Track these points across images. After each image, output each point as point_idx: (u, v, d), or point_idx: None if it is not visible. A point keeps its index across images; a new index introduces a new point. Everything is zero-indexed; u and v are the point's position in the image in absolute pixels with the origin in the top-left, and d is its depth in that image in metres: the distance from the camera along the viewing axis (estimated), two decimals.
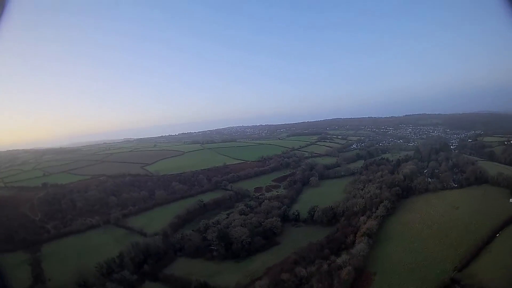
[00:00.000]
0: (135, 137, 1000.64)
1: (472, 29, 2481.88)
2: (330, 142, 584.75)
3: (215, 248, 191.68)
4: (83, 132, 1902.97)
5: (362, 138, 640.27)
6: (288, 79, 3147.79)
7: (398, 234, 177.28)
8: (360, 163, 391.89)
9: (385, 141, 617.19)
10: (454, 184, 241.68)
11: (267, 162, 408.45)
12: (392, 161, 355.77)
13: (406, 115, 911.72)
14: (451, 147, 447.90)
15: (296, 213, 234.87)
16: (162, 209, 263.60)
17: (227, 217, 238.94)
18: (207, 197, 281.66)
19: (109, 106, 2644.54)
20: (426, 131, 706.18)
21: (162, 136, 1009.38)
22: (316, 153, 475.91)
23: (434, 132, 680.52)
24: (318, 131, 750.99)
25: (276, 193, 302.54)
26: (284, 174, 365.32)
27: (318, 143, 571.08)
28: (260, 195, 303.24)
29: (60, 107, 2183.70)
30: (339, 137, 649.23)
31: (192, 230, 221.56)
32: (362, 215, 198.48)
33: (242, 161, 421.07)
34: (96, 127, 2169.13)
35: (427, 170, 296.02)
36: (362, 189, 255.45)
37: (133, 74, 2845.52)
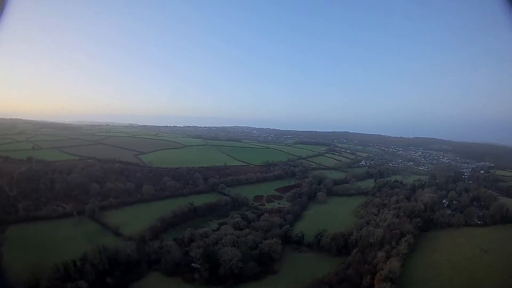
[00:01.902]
0: (140, 124, 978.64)
1: (488, 58, 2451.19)
2: (339, 155, 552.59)
3: (198, 269, 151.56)
4: (92, 112, 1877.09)
5: (371, 155, 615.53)
6: (299, 88, 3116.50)
7: (424, 280, 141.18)
8: (369, 182, 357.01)
9: (395, 161, 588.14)
10: (477, 221, 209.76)
11: (271, 168, 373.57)
12: (406, 185, 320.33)
13: (415, 137, 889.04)
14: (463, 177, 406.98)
15: (300, 235, 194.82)
16: (146, 207, 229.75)
17: (218, 229, 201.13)
18: (200, 200, 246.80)
19: (120, 91, 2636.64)
20: (436, 156, 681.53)
21: (166, 126, 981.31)
22: (324, 165, 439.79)
23: (444, 159, 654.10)
24: (326, 142, 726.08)
25: (278, 205, 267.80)
26: (288, 184, 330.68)
27: (326, 154, 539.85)
28: (259, 205, 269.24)
29: (71, 85, 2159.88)
30: (348, 151, 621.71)
31: (174, 240, 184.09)
32: (380, 249, 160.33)
33: (245, 164, 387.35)
34: (104, 109, 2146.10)
35: (446, 200, 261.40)
36: (376, 215, 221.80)
37: (145, 64, 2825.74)
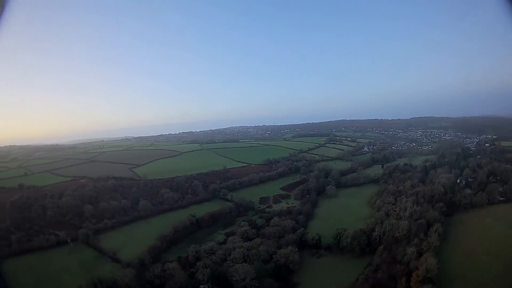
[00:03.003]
0: (135, 136, 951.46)
1: (478, 33, 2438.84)
2: (340, 144, 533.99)
3: None
4: (86, 130, 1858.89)
5: (372, 140, 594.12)
6: (291, 82, 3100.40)
7: (465, 273, 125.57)
8: (376, 168, 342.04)
9: (397, 144, 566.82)
10: (500, 198, 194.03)
11: (273, 166, 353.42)
12: (416, 167, 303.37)
13: (413, 117, 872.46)
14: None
15: (317, 238, 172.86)
16: (144, 224, 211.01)
17: (225, 241, 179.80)
18: (202, 210, 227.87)
19: (113, 105, 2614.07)
20: (437, 134, 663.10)
21: (162, 135, 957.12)
22: (327, 156, 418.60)
23: (445, 136, 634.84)
24: (325, 132, 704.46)
25: (287, 205, 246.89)
26: (294, 181, 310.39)
27: (327, 145, 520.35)
28: (267, 207, 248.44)
29: (64, 105, 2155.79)
30: (348, 139, 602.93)
31: (178, 259, 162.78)
32: (408, 244, 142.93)
33: (245, 164, 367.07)
34: (99, 125, 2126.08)
35: (462, 179, 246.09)
36: (394, 204, 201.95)
37: (135, 74, 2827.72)
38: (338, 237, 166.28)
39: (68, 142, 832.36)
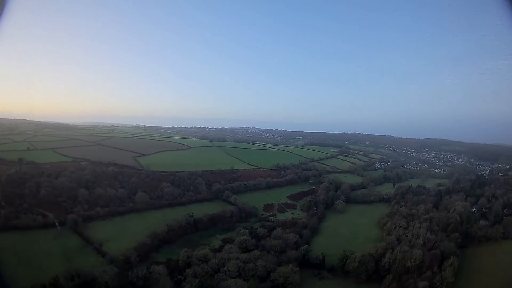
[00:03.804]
0: (147, 125, 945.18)
1: (497, 61, 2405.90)
2: (352, 157, 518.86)
3: None
4: (100, 113, 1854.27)
5: (384, 157, 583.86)
6: (308, 89, 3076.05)
7: None
8: (388, 187, 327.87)
9: (410, 163, 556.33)
10: None
11: (282, 172, 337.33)
12: (430, 190, 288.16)
13: (427, 138, 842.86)
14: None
15: (321, 258, 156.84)
16: (138, 217, 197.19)
17: (220, 248, 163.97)
18: (201, 210, 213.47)
19: (130, 92, 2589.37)
20: (450, 158, 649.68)
21: (173, 127, 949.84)
22: (338, 169, 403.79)
23: (458, 161, 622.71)
24: (337, 143, 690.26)
25: (292, 216, 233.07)
26: (302, 190, 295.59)
27: (339, 156, 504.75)
28: (270, 215, 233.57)
29: (82, 86, 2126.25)
30: (361, 153, 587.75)
31: (167, 261, 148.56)
32: (419, 276, 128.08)
33: (253, 167, 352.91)
34: (112, 110, 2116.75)
35: (476, 209, 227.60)
36: (406, 228, 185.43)
37: (154, 64, 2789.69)
38: (344, 260, 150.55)
39: (80, 123, 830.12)
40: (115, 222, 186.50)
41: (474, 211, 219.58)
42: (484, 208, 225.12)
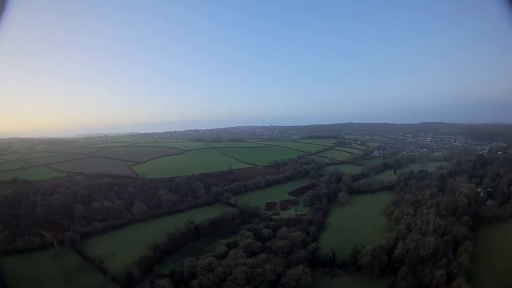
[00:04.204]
0: (141, 132, 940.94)
1: (490, 42, 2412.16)
2: (349, 147, 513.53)
3: None
4: (94, 124, 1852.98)
5: (382, 144, 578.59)
6: (300, 83, 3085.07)
7: None
8: (389, 174, 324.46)
9: (408, 149, 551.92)
10: None
11: (281, 168, 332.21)
12: (432, 174, 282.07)
13: (422, 122, 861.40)
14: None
15: (331, 254, 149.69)
16: (137, 229, 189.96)
17: (225, 254, 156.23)
18: (202, 215, 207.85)
19: (122, 100, 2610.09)
20: (447, 140, 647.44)
21: (167, 132, 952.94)
22: (337, 160, 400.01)
23: (456, 142, 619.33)
24: (333, 135, 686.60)
25: (295, 213, 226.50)
26: (302, 185, 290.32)
27: (336, 148, 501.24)
28: (273, 214, 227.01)
29: (73, 100, 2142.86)
30: (357, 142, 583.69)
31: (172, 273, 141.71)
32: (435, 265, 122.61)
33: (251, 166, 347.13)
34: (106, 120, 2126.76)
35: (481, 189, 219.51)
36: (414, 215, 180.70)
37: (144, 70, 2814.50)
38: (356, 255, 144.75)
39: (74, 136, 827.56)
40: (114, 236, 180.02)
41: (480, 191, 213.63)
42: (489, 188, 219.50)
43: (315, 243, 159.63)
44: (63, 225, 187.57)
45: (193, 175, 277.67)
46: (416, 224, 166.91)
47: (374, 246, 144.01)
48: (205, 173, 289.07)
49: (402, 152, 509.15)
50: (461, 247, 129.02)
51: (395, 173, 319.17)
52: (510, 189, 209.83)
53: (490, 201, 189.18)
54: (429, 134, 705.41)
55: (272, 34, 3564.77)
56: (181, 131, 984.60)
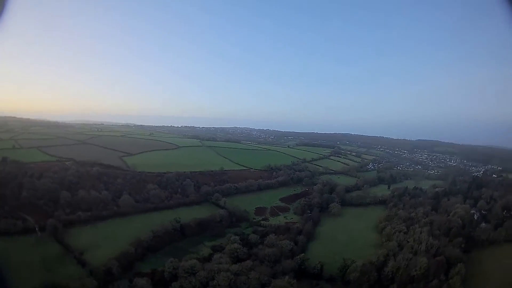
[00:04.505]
0: (138, 123, 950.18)
1: (491, 65, 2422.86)
2: (345, 158, 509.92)
3: None
4: (92, 111, 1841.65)
5: (377, 158, 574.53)
6: (299, 89, 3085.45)
7: None
8: (382, 188, 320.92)
9: (403, 164, 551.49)
10: None
11: (274, 173, 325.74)
12: (426, 192, 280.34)
13: (419, 139, 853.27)
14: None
15: (319, 267, 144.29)
16: (123, 222, 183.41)
17: (210, 257, 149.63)
18: (189, 214, 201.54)
19: (122, 90, 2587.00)
20: (442, 159, 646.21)
21: (163, 126, 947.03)
22: (331, 170, 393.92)
23: (451, 162, 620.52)
24: (329, 144, 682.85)
25: (285, 220, 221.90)
26: (295, 192, 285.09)
27: (331, 157, 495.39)
28: (262, 220, 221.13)
29: (74, 85, 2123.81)
30: (353, 153, 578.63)
31: (152, 272, 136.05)
32: (426, 285, 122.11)
33: (244, 168, 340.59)
34: (104, 108, 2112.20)
35: (475, 211, 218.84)
36: (406, 233, 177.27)
37: (146, 62, 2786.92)
38: (344, 269, 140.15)
39: (71, 121, 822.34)
40: (98, 228, 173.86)
41: (474, 213, 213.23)
42: (483, 210, 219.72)
43: (303, 253, 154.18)
44: (47, 211, 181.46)
45: (185, 172, 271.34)
46: (408, 242, 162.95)
47: (364, 262, 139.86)
48: (197, 171, 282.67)
49: (397, 167, 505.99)
50: (454, 269, 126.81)
51: (389, 188, 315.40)
52: (504, 213, 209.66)
53: (484, 224, 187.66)
54: (425, 152, 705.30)
55: (277, 37, 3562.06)
56: (178, 126, 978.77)
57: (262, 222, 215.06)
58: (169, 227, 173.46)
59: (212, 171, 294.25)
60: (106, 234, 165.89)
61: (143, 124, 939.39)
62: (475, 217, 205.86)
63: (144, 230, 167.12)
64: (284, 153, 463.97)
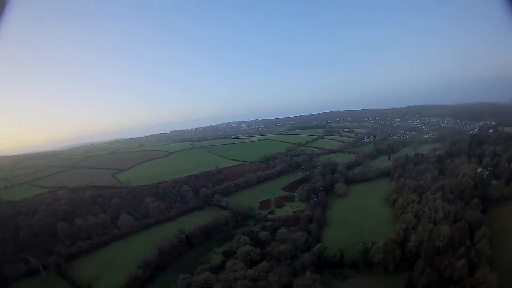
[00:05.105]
0: (127, 137, 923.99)
1: (471, 22, 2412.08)
2: (339, 135, 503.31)
3: None
4: (79, 134, 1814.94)
5: (370, 130, 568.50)
6: (280, 73, 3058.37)
7: None
8: (383, 160, 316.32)
9: (397, 133, 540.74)
10: None
11: (271, 163, 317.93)
12: (428, 157, 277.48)
13: (408, 106, 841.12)
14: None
15: (339, 255, 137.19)
16: (125, 244, 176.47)
17: (223, 263, 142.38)
18: (193, 221, 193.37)
19: (105, 108, 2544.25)
20: (435, 122, 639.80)
21: (152, 135, 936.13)
22: (327, 149, 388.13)
23: (444, 123, 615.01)
24: (320, 124, 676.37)
25: (292, 209, 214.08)
26: (295, 178, 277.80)
27: (325, 137, 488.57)
28: (269, 213, 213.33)
29: (55, 111, 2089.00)
30: (346, 130, 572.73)
31: None
32: (454, 255, 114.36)
33: (240, 163, 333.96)
34: (91, 129, 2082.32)
35: (482, 168, 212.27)
36: (419, 202, 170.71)
37: (125, 75, 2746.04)
38: (366, 252, 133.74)
39: (59, 148, 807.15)
40: (101, 256, 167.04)
41: (481, 171, 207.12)
42: (489, 167, 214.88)
43: (320, 244, 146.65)
44: (47, 247, 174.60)
45: (180, 178, 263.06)
46: (424, 211, 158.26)
47: (385, 241, 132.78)
48: (192, 175, 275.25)
49: (392, 136, 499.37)
50: (478, 232, 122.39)
51: (389, 158, 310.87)
52: (510, 166, 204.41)
53: (494, 181, 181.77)
54: (417, 117, 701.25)
55: (251, 24, 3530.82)
56: (167, 132, 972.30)
57: (269, 216, 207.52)
58: (174, 240, 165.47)
59: (207, 172, 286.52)
60: (110, 261, 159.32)
61: (132, 137, 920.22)
62: (485, 175, 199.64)
63: (149, 249, 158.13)
64: (277, 140, 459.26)
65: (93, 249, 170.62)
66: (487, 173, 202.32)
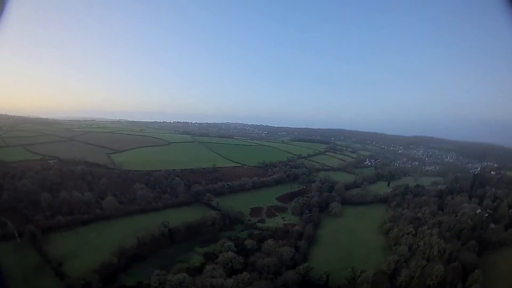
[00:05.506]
0: (130, 119, 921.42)
1: (489, 64, 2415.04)
2: (341, 154, 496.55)
3: None
4: (84, 108, 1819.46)
5: (373, 154, 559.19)
6: (293, 85, 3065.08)
7: None
8: (382, 185, 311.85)
9: (400, 161, 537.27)
10: None
11: (269, 170, 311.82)
12: (428, 190, 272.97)
13: (414, 135, 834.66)
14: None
15: (325, 278, 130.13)
16: (106, 227, 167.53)
17: (202, 266, 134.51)
18: (179, 216, 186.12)
19: (114, 86, 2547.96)
20: (439, 155, 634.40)
21: (155, 121, 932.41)
22: (328, 166, 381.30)
23: (448, 158, 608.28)
24: (324, 139, 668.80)
25: (283, 221, 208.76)
26: (291, 190, 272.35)
27: (327, 153, 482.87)
28: (258, 221, 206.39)
29: (66, 81, 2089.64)
30: (349, 149, 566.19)
31: (136, 287, 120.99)
32: None
33: (238, 165, 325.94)
34: (97, 105, 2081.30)
35: (481, 210, 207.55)
36: (415, 235, 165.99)
37: (138, 57, 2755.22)
38: (355, 280, 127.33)
39: (62, 118, 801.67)
40: (79, 234, 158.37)
41: (480, 212, 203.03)
42: (489, 210, 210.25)
43: (307, 263, 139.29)
44: (27, 214, 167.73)
45: (174, 170, 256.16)
46: (419, 246, 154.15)
47: (375, 271, 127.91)
48: (188, 169, 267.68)
49: (394, 163, 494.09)
50: (471, 276, 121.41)
51: (388, 185, 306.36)
52: (509, 211, 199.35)
53: (493, 225, 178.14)
54: (421, 148, 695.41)
55: (270, 34, 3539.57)
56: (170, 122, 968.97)
57: (258, 224, 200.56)
58: (156, 233, 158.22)
59: (203, 168, 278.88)
60: (87, 241, 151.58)
61: (135, 120, 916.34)
62: (483, 217, 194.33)
63: (128, 236, 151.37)
64: (278, 148, 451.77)
65: (72, 225, 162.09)
66: (487, 215, 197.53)
